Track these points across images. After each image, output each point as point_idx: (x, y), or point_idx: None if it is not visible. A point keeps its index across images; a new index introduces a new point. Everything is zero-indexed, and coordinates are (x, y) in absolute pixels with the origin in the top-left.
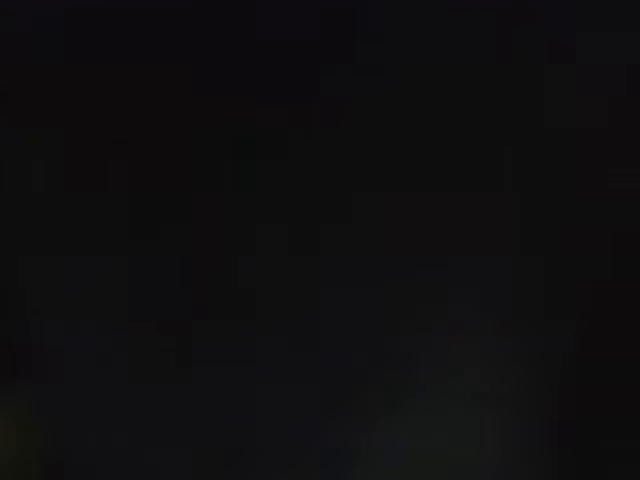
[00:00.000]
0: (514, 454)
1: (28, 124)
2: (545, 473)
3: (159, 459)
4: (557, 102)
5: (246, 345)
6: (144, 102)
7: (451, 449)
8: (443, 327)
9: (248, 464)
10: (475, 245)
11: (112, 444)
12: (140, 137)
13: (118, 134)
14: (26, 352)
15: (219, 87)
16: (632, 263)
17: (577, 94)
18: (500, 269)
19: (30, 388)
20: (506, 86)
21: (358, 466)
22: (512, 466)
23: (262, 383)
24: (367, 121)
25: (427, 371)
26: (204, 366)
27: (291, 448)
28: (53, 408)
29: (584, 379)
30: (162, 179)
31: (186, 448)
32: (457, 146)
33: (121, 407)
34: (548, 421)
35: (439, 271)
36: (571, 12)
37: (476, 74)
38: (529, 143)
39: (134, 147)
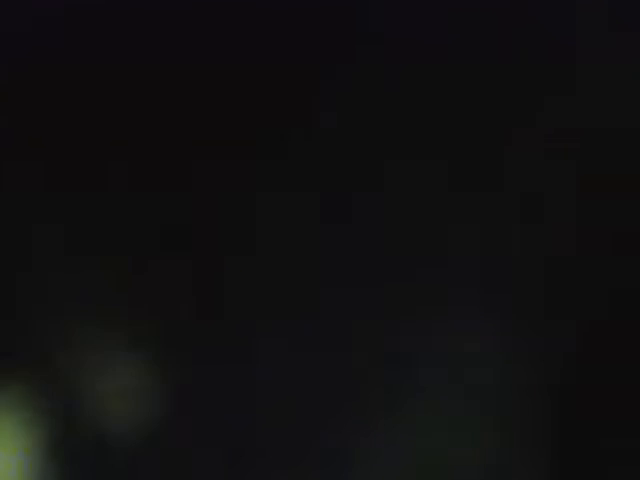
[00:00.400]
0: (514, 454)
1: (28, 124)
2: (545, 473)
3: (158, 459)
4: (557, 102)
5: (246, 345)
6: (143, 102)
7: (451, 449)
8: (443, 327)
9: (248, 464)
10: (475, 245)
11: (112, 444)
12: (140, 137)
13: (118, 134)
14: (26, 352)
15: (218, 87)
16: (632, 263)
17: (577, 94)
18: (500, 269)
19: (30, 388)
20: (506, 86)
21: (358, 466)
22: (512, 466)
23: (262, 383)
24: (367, 121)
25: (427, 371)
26: (204, 366)
27: (291, 448)
28: (52, 408)
29: (584, 379)
30: (162, 179)
31: (185, 448)
32: (457, 146)
33: (121, 407)
34: (548, 421)
35: (439, 271)
36: (571, 12)
37: (476, 74)
38: (529, 143)
39: (134, 147)
